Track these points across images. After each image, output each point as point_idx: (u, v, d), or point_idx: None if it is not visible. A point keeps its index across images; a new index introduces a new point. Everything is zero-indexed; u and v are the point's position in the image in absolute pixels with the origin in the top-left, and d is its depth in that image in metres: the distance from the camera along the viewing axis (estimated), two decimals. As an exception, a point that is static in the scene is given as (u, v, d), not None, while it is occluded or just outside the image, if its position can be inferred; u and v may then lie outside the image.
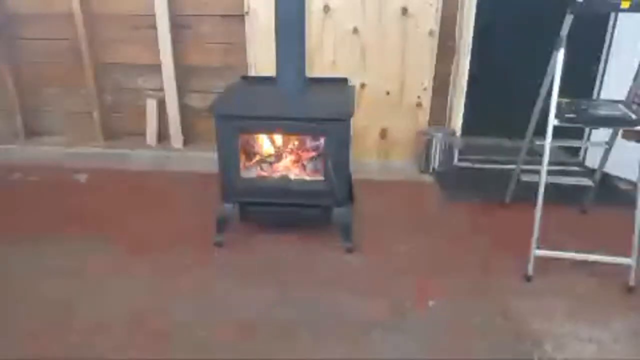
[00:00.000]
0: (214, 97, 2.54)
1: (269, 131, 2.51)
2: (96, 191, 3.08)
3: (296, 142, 2.62)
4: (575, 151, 3.53)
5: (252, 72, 3.32)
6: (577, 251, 2.30)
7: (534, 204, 2.25)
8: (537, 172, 2.27)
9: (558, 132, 2.20)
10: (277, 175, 2.50)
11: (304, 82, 2.50)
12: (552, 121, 2.17)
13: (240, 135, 2.36)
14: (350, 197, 2.71)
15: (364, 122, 3.41)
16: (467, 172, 3.40)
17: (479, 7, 3.13)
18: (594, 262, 2.30)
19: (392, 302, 2.11)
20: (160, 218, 2.76)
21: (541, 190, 2.22)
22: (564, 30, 2.18)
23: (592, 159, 3.31)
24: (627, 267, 2.20)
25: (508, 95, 3.56)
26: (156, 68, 3.50)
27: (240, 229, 2.59)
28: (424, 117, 3.40)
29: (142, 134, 3.72)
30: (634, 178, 2.63)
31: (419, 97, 3.35)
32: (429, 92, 3.34)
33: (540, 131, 2.29)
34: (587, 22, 2.23)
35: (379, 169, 3.44)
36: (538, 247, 2.24)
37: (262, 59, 3.29)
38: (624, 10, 2.01)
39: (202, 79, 3.56)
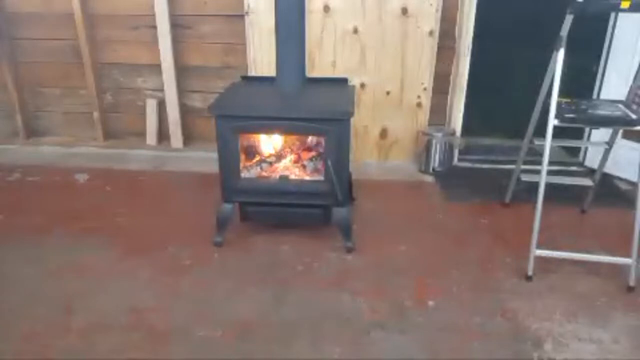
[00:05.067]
0: (214, 97, 2.54)
1: (269, 131, 2.51)
2: (96, 191, 3.08)
3: (296, 142, 2.62)
4: (575, 151, 3.53)
5: (252, 72, 3.32)
6: (577, 251, 2.31)
7: (534, 204, 2.25)
8: (537, 172, 2.27)
9: (558, 132, 2.20)
10: (277, 175, 2.50)
11: (303, 82, 2.50)
12: (552, 121, 2.17)
13: (240, 135, 2.36)
14: (350, 197, 2.71)
15: (364, 122, 3.41)
16: (467, 172, 3.40)
17: (478, 7, 3.13)
18: (594, 262, 2.30)
19: (392, 302, 2.11)
20: (160, 218, 2.76)
21: (541, 190, 2.22)
22: (564, 30, 2.18)
23: (592, 159, 3.32)
24: (627, 267, 2.20)
25: (508, 95, 3.56)
26: (156, 68, 3.51)
27: (240, 229, 2.59)
28: (424, 117, 3.40)
29: (142, 134, 3.73)
30: (634, 178, 2.63)
31: (419, 97, 3.35)
32: (429, 92, 3.34)
33: (540, 131, 2.29)
34: (587, 22, 2.23)
35: (379, 168, 3.44)
36: (538, 247, 2.24)
37: (262, 59, 3.29)
38: (623, 10, 2.01)
39: (202, 79, 3.56)
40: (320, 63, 3.28)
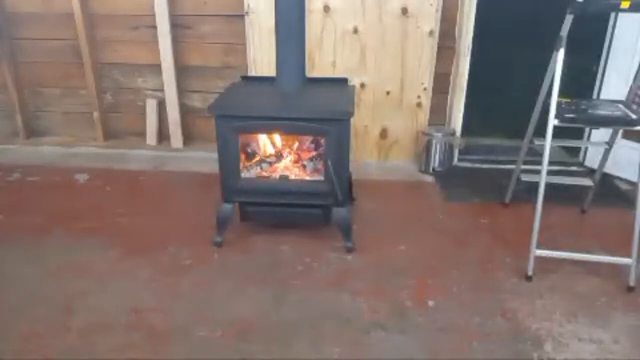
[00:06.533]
0: (214, 97, 2.54)
1: (269, 131, 2.51)
2: (96, 191, 3.08)
3: (296, 142, 2.62)
4: (575, 151, 3.53)
5: (252, 72, 3.32)
6: (577, 251, 2.31)
7: (534, 204, 2.25)
8: (537, 172, 2.27)
9: (558, 132, 2.20)
10: (277, 175, 2.50)
11: (303, 82, 2.51)
12: (552, 121, 2.17)
13: (240, 135, 2.36)
14: (350, 197, 2.71)
15: (364, 122, 3.41)
16: (467, 172, 3.40)
17: (479, 7, 3.13)
18: (594, 262, 2.30)
19: (392, 302, 2.11)
20: (160, 218, 2.76)
21: (541, 190, 2.22)
22: (564, 30, 2.18)
23: (592, 159, 3.32)
24: (627, 267, 2.20)
25: (508, 95, 3.56)
26: (156, 68, 3.51)
27: (240, 229, 2.59)
28: (424, 117, 3.40)
29: (142, 134, 3.73)
30: (634, 178, 2.63)
31: (419, 97, 3.35)
32: (429, 92, 3.34)
33: (540, 131, 2.30)
34: (587, 22, 2.23)
35: (379, 169, 3.44)
36: (538, 247, 2.24)
37: (262, 59, 3.29)
38: (624, 10, 2.01)
39: (202, 79, 3.56)
40: (320, 63, 3.28)
